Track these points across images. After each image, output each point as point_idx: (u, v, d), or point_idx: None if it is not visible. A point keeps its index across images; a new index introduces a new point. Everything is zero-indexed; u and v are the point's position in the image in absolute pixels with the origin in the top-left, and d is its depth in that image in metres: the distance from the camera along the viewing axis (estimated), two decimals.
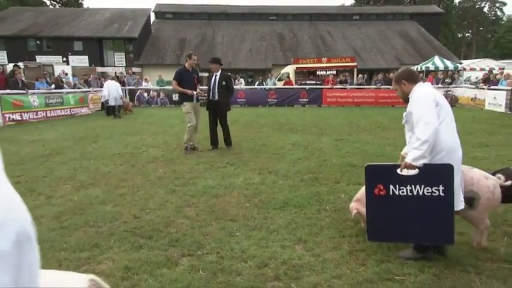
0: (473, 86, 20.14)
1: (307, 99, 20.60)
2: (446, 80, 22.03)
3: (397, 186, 3.21)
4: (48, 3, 50.68)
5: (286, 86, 22.43)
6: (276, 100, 20.69)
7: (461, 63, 28.07)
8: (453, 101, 19.40)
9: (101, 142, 9.20)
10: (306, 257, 3.33)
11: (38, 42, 31.41)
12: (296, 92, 21.10)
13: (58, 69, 25.43)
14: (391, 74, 25.10)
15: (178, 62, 28.16)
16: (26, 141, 9.32)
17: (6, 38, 30.70)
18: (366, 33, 37.55)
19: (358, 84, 22.06)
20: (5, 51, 30.29)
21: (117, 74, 25.46)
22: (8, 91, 13.14)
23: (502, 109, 15.69)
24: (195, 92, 7.92)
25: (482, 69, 24.59)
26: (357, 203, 3.71)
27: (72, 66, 27.99)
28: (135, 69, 29.15)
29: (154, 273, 3.07)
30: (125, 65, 31.64)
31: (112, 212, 4.43)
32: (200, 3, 42.68)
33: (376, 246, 3.51)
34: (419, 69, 24.54)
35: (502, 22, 67.00)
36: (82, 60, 30.80)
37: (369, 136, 9.97)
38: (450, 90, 20.24)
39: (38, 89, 15.20)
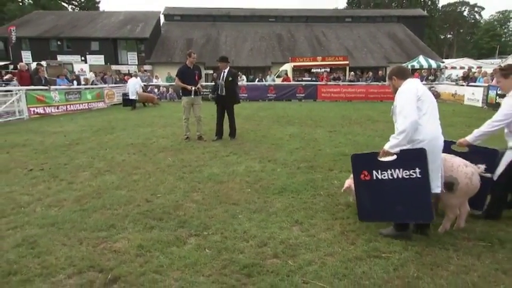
0: (454, 83, 20.19)
1: (303, 95, 20.53)
2: (429, 77, 22.07)
3: (379, 171, 3.29)
4: (68, 7, 50.22)
5: (284, 83, 22.32)
6: (275, 95, 20.63)
7: (443, 62, 27.94)
8: (435, 96, 19.16)
9: (116, 133, 9.20)
10: (302, 237, 3.34)
11: (59, 42, 31.27)
12: (293, 88, 21.01)
13: (77, 67, 25.36)
14: (380, 72, 25.11)
15: (186, 60, 27.86)
16: (49, 132, 9.33)
17: (31, 39, 30.59)
18: (357, 34, 37.28)
19: (349, 81, 21.98)
20: (30, 51, 30.17)
21: (130, 72, 25.43)
22: (32, 87, 13.09)
23: (479, 104, 15.72)
24: (193, 88, 7.88)
25: (462, 68, 24.66)
26: (351, 180, 3.74)
27: (90, 65, 27.88)
28: (146, 67, 28.98)
29: (165, 251, 3.08)
30: (137, 63, 31.48)
31: (126, 196, 4.44)
32: (205, 6, 42.28)
33: (365, 227, 3.52)
34: (405, 66, 24.43)
35: (480, 25, 67.04)
36: (98, 59, 30.67)
37: (360, 128, 9.94)
38: (433, 87, 20.22)
39: (59, 85, 15.14)
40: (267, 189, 4.71)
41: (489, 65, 24.14)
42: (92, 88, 16.90)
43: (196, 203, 4.25)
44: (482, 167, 3.33)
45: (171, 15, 38.80)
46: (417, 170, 3.09)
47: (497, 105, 14.00)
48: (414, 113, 3.08)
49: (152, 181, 5.10)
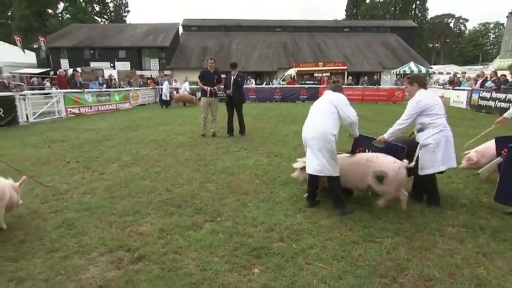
0: (441, 87, 20.00)
1: (306, 96, 20.37)
2: None
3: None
4: (99, 20, 50.62)
5: (289, 85, 22.20)
6: (280, 97, 20.51)
7: (431, 68, 27.51)
8: None
9: (140, 130, 9.25)
10: (305, 224, 3.34)
11: (91, 51, 31.53)
12: (297, 90, 20.88)
13: (107, 73, 25.55)
14: (375, 77, 24.85)
15: (201, 65, 28.04)
16: (83, 130, 9.43)
17: (68, 48, 30.98)
18: (354, 43, 36.79)
19: (347, 84, 21.77)
20: (67, 59, 30.54)
21: (152, 76, 25.56)
22: (69, 90, 13.24)
23: (464, 106, 15.50)
24: (209, 88, 7.89)
25: (448, 73, 24.43)
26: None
27: (117, 70, 28.07)
28: (166, 72, 29.03)
29: (183, 234, 3.11)
30: (158, 68, 31.55)
31: (149, 186, 4.46)
32: (219, 18, 42.07)
33: (361, 216, 3.50)
34: (397, 72, 24.19)
35: (465, 35, 66.39)
36: (125, 65, 30.81)
37: None
38: None
39: (92, 88, 15.29)
40: (273, 180, 4.70)
41: (473, 71, 23.76)
42: (120, 91, 17.04)
43: (210, 192, 4.26)
44: (406, 161, 3.59)
45: (188, 26, 38.75)
46: None
47: (479, 107, 13.87)
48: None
49: (172, 173, 5.12)
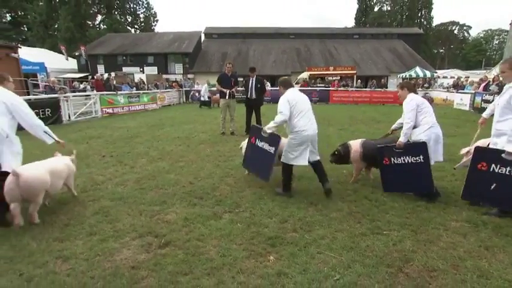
0: (445, 90, 19.38)
1: (317, 98, 20.10)
2: (425, 85, 21.25)
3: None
4: (131, 30, 51.71)
5: (302, 88, 21.96)
6: None
7: (436, 73, 26.53)
8: (429, 101, 18.77)
9: (165, 129, 9.37)
10: (316, 216, 3.31)
11: (124, 58, 32.16)
12: (309, 92, 20.43)
13: (137, 77, 26.01)
14: (382, 80, 24.25)
15: (221, 70, 27.91)
16: (116, 128, 9.64)
17: (104, 55, 31.81)
18: (363, 49, 36.00)
19: (356, 87, 21.40)
20: (103, 65, 31.32)
21: (177, 79, 25.84)
22: (104, 92, 13.60)
23: (467, 108, 14.99)
24: (227, 90, 7.92)
25: (452, 77, 23.63)
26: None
27: (146, 74, 28.53)
28: (189, 76, 29.28)
29: (205, 223, 3.14)
30: (182, 72, 31.80)
31: (174, 179, 4.52)
32: (237, 26, 42.05)
33: (369, 210, 3.44)
34: (404, 76, 23.55)
35: (468, 41, 63.95)
36: (153, 70, 31.27)
37: (365, 127, 9.67)
38: (428, 93, 19.53)
39: (124, 90, 15.62)
40: None
41: (475, 75, 22.84)
42: (148, 92, 17.32)
43: (229, 186, 4.27)
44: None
45: (210, 34, 38.91)
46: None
47: (482, 109, 13.34)
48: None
49: (194, 167, 5.16)
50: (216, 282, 2.23)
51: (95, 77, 15.32)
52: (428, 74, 23.20)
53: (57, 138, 3.62)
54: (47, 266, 2.44)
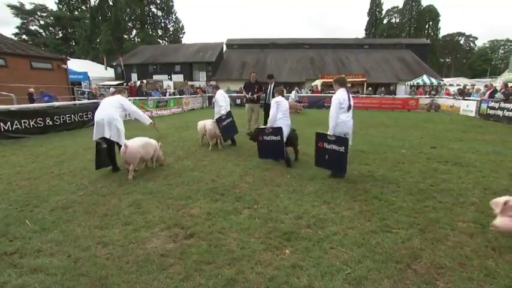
0: (452, 97, 18.56)
1: (330, 104, 19.76)
2: (432, 93, 20.48)
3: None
4: (161, 42, 53.09)
5: (315, 94, 21.76)
6: (307, 104, 20.13)
7: (442, 81, 25.55)
8: (436, 107, 18.27)
9: (190, 130, 9.46)
10: (329, 214, 3.26)
11: (154, 67, 32.95)
12: (322, 98, 20.35)
13: (165, 84, 26.61)
14: (391, 87, 23.60)
15: (241, 77, 28.36)
16: (148, 129, 9.81)
17: (137, 65, 32.73)
18: (373, 58, 35.16)
19: (367, 94, 20.93)
20: (136, 73, 32.26)
21: (201, 86, 26.22)
22: (137, 98, 14.00)
23: (473, 114, 14.33)
24: (250, 94, 8.03)
25: (458, 85, 22.73)
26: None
27: (174, 81, 29.15)
28: (212, 83, 29.60)
29: (226, 217, 3.16)
30: (205, 80, 32.29)
31: (198, 177, 4.57)
32: (256, 37, 42.14)
33: (379, 209, 3.36)
34: (412, 84, 22.83)
35: (474, 51, 61.20)
36: (179, 77, 31.89)
37: (375, 131, 9.43)
38: (435, 100, 18.72)
39: (153, 96, 16.01)
40: (302, 175, 4.64)
41: (481, 83, 21.84)
42: (174, 98, 17.65)
43: (248, 184, 4.28)
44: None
45: (231, 44, 39.21)
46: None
47: (488, 116, 12.84)
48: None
49: (216, 166, 5.20)
50: (236, 271, 2.25)
51: (129, 84, 15.81)
52: (435, 81, 22.43)
53: (152, 122, 5.07)
54: (90, 250, 2.54)
